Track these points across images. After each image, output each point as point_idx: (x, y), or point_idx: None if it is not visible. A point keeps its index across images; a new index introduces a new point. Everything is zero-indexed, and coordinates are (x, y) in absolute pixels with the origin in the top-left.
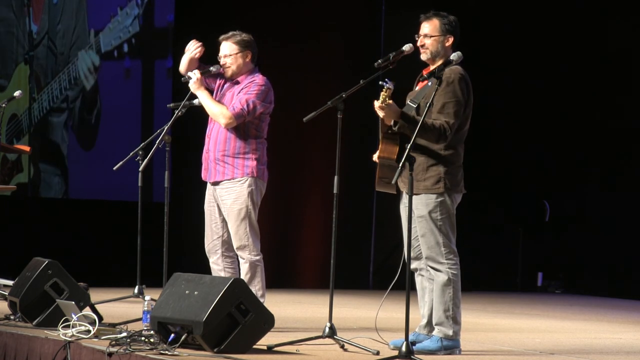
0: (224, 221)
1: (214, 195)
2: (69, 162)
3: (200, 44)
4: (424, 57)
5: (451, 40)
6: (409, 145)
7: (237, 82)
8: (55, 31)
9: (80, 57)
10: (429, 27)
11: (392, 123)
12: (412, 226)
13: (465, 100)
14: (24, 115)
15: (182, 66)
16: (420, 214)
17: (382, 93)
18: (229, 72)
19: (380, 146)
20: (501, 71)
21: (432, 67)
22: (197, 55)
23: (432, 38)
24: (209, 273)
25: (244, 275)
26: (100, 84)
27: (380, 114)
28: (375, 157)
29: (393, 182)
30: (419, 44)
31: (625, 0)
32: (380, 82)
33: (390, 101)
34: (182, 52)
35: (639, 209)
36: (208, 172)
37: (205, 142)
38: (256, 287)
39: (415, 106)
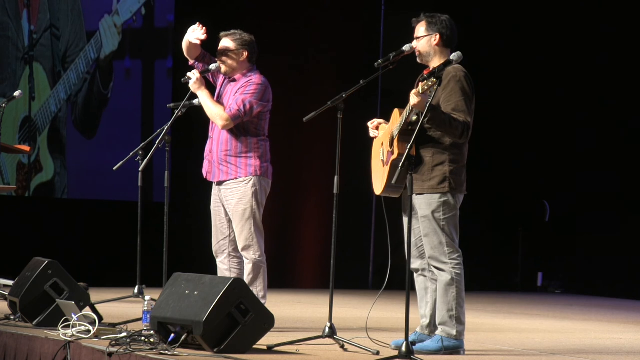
0: (230, 221)
1: (219, 196)
2: (68, 161)
3: (203, 29)
4: (418, 60)
5: (437, 38)
6: (409, 145)
7: (235, 81)
8: (57, 24)
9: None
10: (418, 30)
11: (414, 118)
12: (416, 226)
13: (472, 97)
14: (39, 113)
15: (184, 49)
16: (423, 213)
17: (427, 83)
18: (223, 69)
19: (397, 145)
20: (502, 69)
21: (431, 67)
22: (196, 42)
23: (421, 39)
24: (209, 273)
25: (247, 275)
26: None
27: (415, 100)
28: (386, 158)
29: (393, 181)
30: (413, 46)
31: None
32: (432, 76)
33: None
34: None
35: (639, 209)
36: (212, 172)
37: (207, 142)
38: (258, 288)
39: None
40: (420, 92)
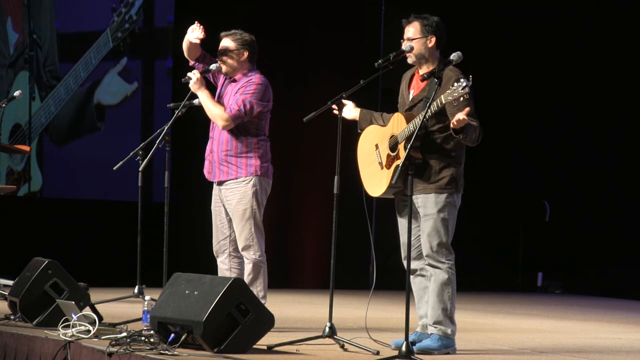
0: (230, 221)
1: (220, 196)
2: (65, 161)
3: (200, 28)
4: (409, 60)
5: (434, 40)
6: (409, 145)
7: (235, 81)
8: (39, 33)
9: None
10: (411, 31)
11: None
12: (414, 226)
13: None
14: (35, 118)
15: (184, 50)
16: (427, 212)
17: (463, 95)
18: (223, 69)
19: (402, 151)
20: (502, 69)
21: (422, 69)
22: (196, 41)
23: (414, 41)
24: (209, 273)
25: (247, 275)
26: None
27: (462, 125)
28: (389, 162)
29: (393, 181)
30: (403, 47)
31: None
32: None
33: None
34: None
35: (638, 209)
36: (212, 172)
37: (208, 142)
38: (258, 288)
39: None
40: (461, 119)
